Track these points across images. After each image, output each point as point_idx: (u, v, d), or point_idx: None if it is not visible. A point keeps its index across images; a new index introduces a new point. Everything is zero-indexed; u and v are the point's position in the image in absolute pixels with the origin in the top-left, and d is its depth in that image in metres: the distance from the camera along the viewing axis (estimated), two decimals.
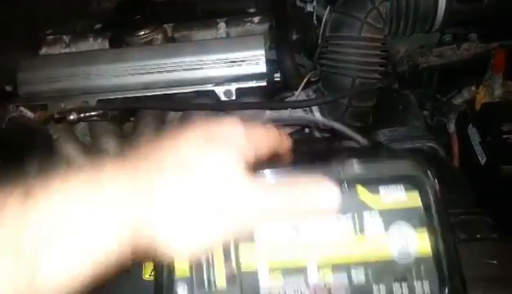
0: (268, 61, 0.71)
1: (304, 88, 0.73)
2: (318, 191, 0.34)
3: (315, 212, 0.35)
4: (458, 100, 0.79)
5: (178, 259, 0.37)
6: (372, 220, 0.36)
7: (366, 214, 0.36)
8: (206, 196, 0.31)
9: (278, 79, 0.72)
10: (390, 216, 0.36)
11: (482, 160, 0.65)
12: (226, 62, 0.71)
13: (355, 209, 0.36)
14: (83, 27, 0.84)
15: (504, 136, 0.61)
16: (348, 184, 0.36)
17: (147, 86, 0.73)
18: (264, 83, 0.71)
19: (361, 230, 0.36)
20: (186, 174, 0.31)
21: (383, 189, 0.36)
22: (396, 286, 0.36)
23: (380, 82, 0.68)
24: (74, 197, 0.28)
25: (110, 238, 0.29)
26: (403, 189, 0.36)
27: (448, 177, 0.57)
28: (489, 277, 0.42)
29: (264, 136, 0.36)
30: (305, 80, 0.71)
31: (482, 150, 0.65)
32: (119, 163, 0.31)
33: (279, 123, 0.61)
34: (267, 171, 0.36)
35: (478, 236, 0.47)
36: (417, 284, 0.36)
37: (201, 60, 0.72)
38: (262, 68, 0.71)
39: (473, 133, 0.69)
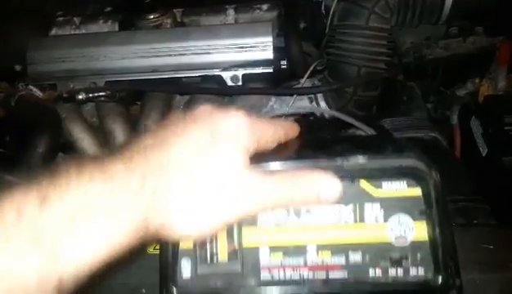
0: (276, 48, 0.72)
1: (310, 77, 0.73)
2: (319, 181, 0.35)
3: (315, 202, 0.36)
4: (461, 92, 0.80)
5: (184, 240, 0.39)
6: (373, 211, 0.37)
7: (367, 205, 0.37)
8: (209, 187, 0.33)
9: (285, 66, 0.72)
10: (390, 208, 0.37)
11: (484, 151, 0.65)
12: (233, 48, 0.72)
13: (357, 199, 0.37)
14: (93, 9, 0.85)
15: (506, 128, 0.62)
16: (351, 176, 0.37)
17: (155, 70, 0.73)
18: (271, 70, 0.72)
19: (361, 219, 0.37)
20: (191, 167, 0.33)
21: (385, 182, 0.37)
22: (391, 270, 0.37)
23: (386, 73, 0.69)
24: (87, 189, 0.30)
25: (122, 227, 0.30)
26: (405, 183, 0.37)
27: (449, 166, 0.58)
28: (485, 260, 0.43)
29: (269, 129, 0.38)
30: (311, 68, 0.72)
31: (484, 142, 0.66)
32: (126, 155, 0.33)
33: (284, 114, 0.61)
34: (270, 163, 0.37)
35: (476, 222, 0.48)
36: (412, 269, 0.37)
37: (209, 45, 0.72)
38: (269, 54, 0.71)
39: (475, 125, 0.70)
